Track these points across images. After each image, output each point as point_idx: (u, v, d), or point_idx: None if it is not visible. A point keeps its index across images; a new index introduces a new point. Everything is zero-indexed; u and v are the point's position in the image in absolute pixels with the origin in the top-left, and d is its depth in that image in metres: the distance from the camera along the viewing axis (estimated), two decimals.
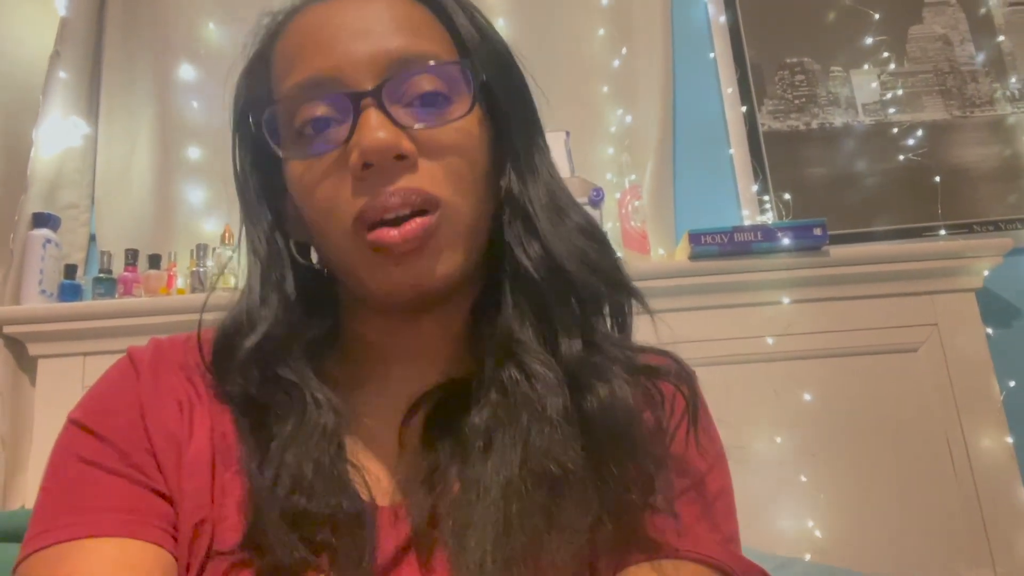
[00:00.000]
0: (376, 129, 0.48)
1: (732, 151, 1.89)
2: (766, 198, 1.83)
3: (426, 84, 0.52)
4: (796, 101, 1.91)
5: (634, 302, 0.58)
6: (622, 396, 0.51)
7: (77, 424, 0.53)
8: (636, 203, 1.68)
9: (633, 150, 1.84)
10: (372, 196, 0.49)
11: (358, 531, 0.48)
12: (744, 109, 1.90)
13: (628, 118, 1.88)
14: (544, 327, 0.54)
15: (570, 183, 1.55)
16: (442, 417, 0.54)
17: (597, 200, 1.54)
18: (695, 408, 0.54)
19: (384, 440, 0.55)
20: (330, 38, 0.51)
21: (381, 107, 0.50)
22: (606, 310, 0.57)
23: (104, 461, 0.50)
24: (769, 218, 1.81)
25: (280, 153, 0.53)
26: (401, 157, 0.50)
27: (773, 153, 1.87)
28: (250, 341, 0.53)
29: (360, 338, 0.59)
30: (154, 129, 1.87)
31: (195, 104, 1.88)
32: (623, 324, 0.57)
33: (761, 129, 1.89)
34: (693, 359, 1.65)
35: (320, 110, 0.51)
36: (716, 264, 1.55)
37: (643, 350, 0.56)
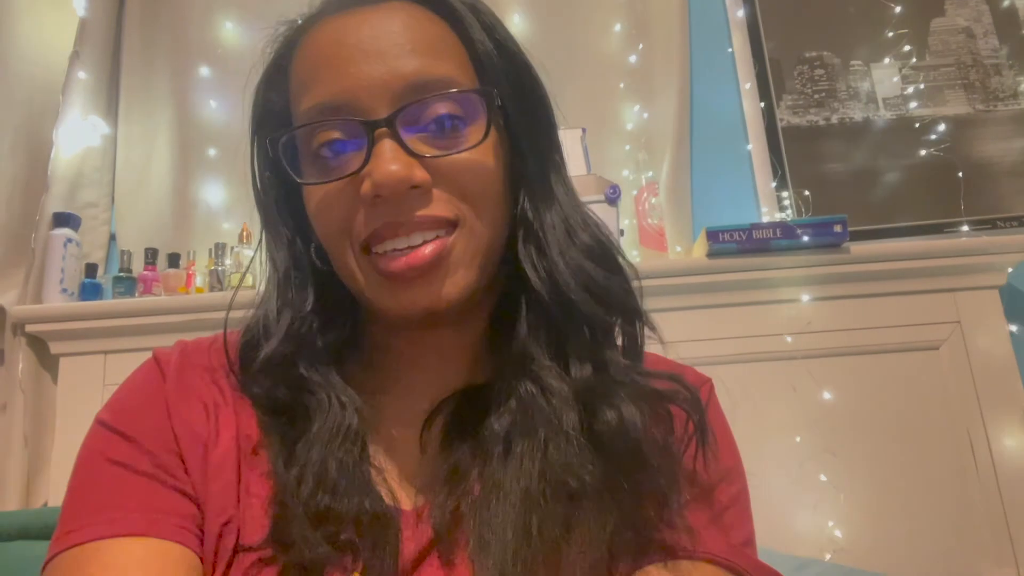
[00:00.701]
0: (389, 162, 0.48)
1: (750, 147, 1.88)
2: (785, 194, 1.81)
3: (441, 108, 0.51)
4: (815, 96, 1.89)
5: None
6: (630, 420, 0.51)
7: (104, 425, 0.53)
8: (653, 200, 1.67)
9: (650, 147, 1.83)
10: (383, 226, 0.50)
11: (381, 532, 0.49)
12: (762, 104, 1.89)
13: (645, 114, 1.86)
14: (556, 348, 0.54)
15: (586, 180, 1.55)
16: (462, 422, 0.54)
17: (614, 197, 1.52)
18: (703, 433, 0.54)
19: (406, 444, 0.56)
20: (345, 59, 0.51)
21: (395, 136, 0.49)
22: (617, 334, 0.56)
23: (131, 462, 0.51)
24: (788, 215, 1.79)
25: (297, 179, 0.53)
26: (415, 187, 0.50)
27: (792, 149, 1.85)
28: (266, 350, 0.54)
29: (381, 344, 0.60)
30: (173, 129, 1.89)
31: (213, 104, 1.89)
32: (634, 348, 0.57)
33: (780, 124, 1.87)
34: (710, 357, 1.65)
35: (336, 134, 0.51)
36: (734, 262, 1.54)
37: (653, 375, 0.55)
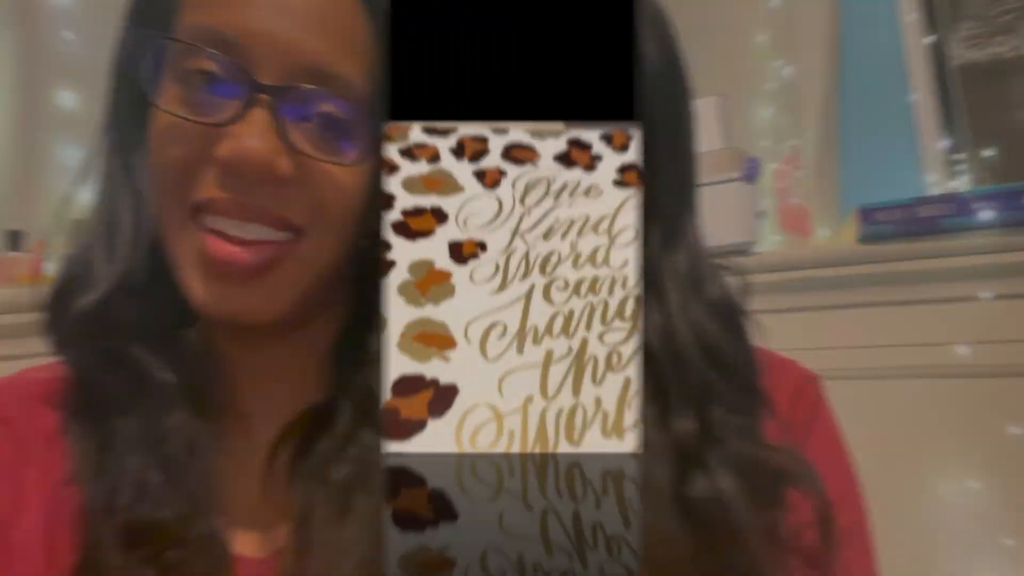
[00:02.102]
0: (257, 137, 0.44)
1: (914, 97, 1.64)
2: (960, 157, 1.59)
3: (330, 107, 0.47)
4: (1002, 18, 1.60)
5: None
6: (724, 490, 0.46)
7: None
8: (797, 175, 1.56)
9: (794, 109, 1.67)
10: (226, 199, 0.46)
11: (215, 552, 0.46)
12: (931, 39, 1.63)
13: (787, 70, 1.70)
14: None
15: (718, 156, 1.43)
16: (310, 453, 0.49)
17: (752, 174, 1.42)
18: (829, 529, 0.47)
19: (246, 478, 0.50)
20: None
21: (275, 112, 0.45)
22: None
23: None
24: (965, 184, 1.57)
25: (156, 102, 0.47)
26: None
27: (971, 94, 1.59)
28: (85, 300, 0.49)
29: (213, 351, 0.54)
30: (13, 65, 1.63)
31: (69, 35, 1.65)
32: (752, 425, 0.52)
33: (953, 64, 1.61)
34: (860, 370, 1.58)
35: (216, 68, 0.46)
36: (893, 248, 1.37)
37: (772, 449, 0.50)
